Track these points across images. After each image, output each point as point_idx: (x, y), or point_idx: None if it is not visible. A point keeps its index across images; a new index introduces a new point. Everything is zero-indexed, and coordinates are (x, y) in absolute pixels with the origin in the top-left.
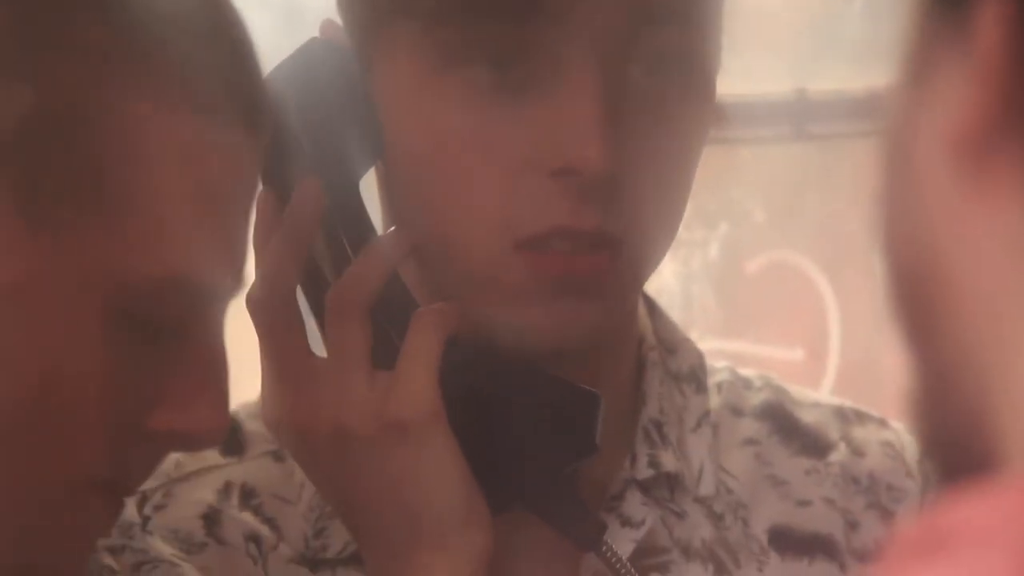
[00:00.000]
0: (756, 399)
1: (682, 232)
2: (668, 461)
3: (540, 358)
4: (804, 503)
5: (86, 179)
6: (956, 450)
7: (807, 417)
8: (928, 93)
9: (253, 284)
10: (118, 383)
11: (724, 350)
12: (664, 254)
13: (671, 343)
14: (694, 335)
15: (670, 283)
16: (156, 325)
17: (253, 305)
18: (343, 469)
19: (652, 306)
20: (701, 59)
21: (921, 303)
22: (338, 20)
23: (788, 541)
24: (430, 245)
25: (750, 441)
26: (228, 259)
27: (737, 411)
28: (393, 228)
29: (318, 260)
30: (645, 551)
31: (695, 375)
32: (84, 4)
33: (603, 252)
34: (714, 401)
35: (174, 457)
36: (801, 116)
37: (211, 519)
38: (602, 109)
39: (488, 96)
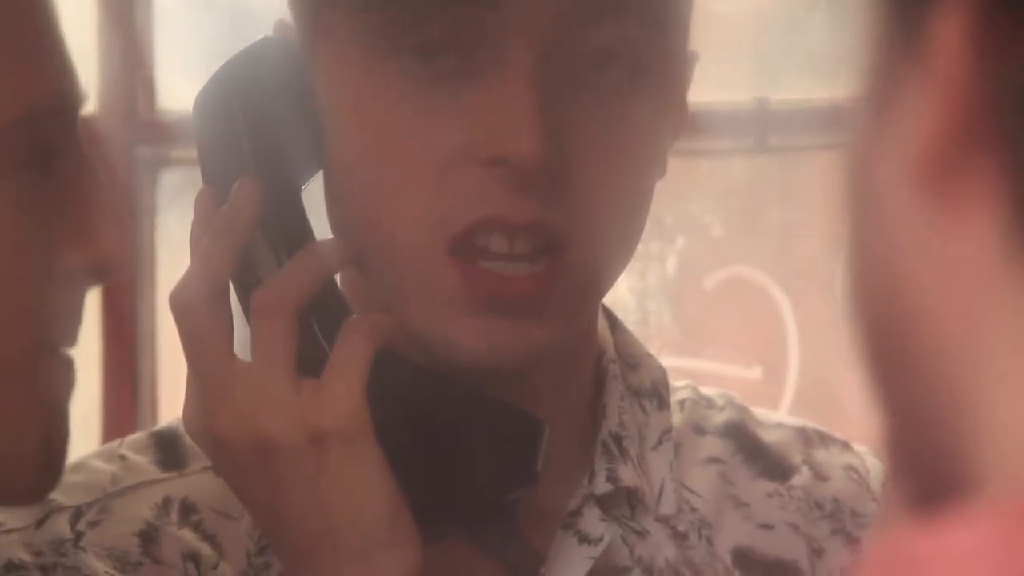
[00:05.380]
0: (719, 418)
1: (638, 246)
2: (627, 476)
3: (479, 375)
4: (766, 527)
5: None
6: (927, 478)
7: (769, 437)
8: (888, 112)
9: (178, 283)
10: (29, 235)
11: (681, 368)
12: (619, 268)
13: (632, 358)
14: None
15: (625, 298)
16: (36, 158)
17: (175, 304)
18: (264, 480)
19: (613, 320)
20: (657, 58)
21: (891, 338)
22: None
23: (752, 564)
24: (366, 248)
25: (714, 460)
26: (56, 72)
27: (699, 429)
28: (333, 235)
29: (258, 267)
30: (604, 570)
31: (657, 391)
32: None
33: (541, 261)
34: (676, 419)
35: (110, 471)
36: (762, 127)
37: (148, 537)
38: (537, 98)
39: (423, 86)
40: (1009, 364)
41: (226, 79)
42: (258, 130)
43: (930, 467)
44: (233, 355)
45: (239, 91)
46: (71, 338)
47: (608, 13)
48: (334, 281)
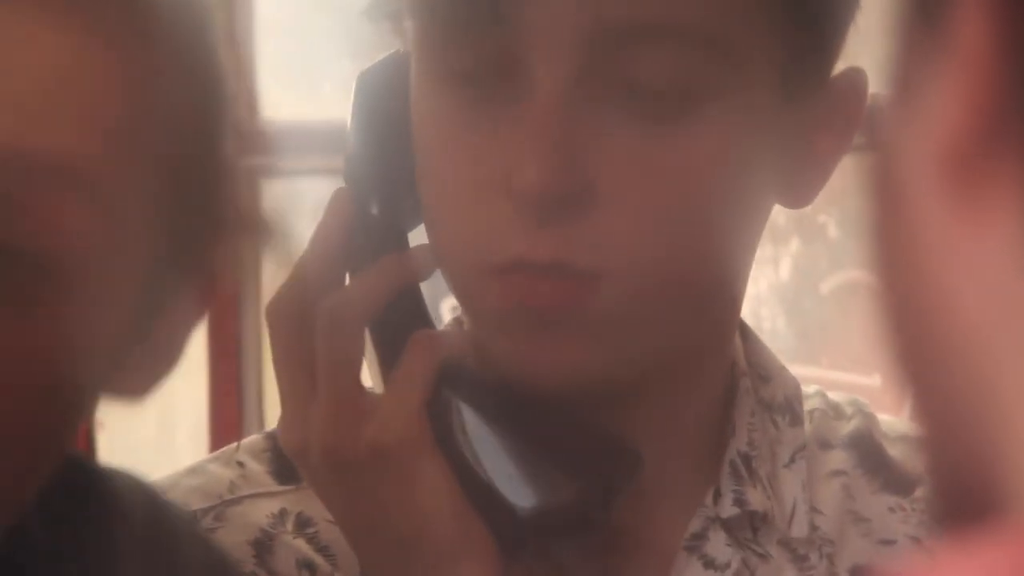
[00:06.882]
0: (846, 429)
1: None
2: (755, 499)
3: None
4: (888, 542)
5: None
6: (960, 494)
7: (894, 450)
8: (914, 104)
9: (275, 293)
10: None
11: (797, 376)
12: (680, 298)
13: (765, 370)
14: None
15: None
16: None
17: (267, 314)
18: (338, 493)
19: (745, 331)
20: (726, 80)
21: (918, 339)
22: None
23: None
24: (439, 262)
25: (837, 472)
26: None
27: (826, 444)
28: (418, 246)
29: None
30: None
31: (791, 406)
32: None
33: (571, 282)
34: (806, 430)
35: (228, 478)
36: (874, 124)
37: (262, 545)
38: (551, 129)
39: (466, 112)
40: None
41: (363, 89)
42: (376, 140)
43: (962, 484)
44: (312, 369)
45: (370, 103)
46: None
47: (638, 39)
48: (419, 292)
